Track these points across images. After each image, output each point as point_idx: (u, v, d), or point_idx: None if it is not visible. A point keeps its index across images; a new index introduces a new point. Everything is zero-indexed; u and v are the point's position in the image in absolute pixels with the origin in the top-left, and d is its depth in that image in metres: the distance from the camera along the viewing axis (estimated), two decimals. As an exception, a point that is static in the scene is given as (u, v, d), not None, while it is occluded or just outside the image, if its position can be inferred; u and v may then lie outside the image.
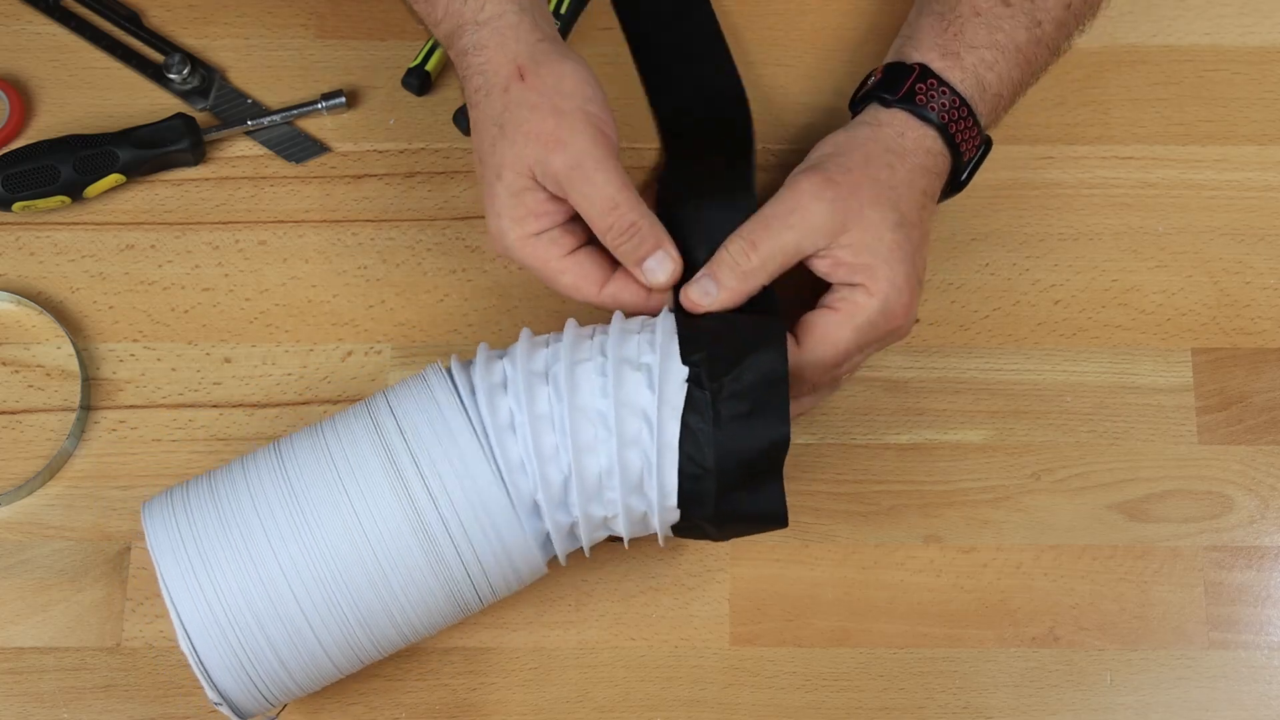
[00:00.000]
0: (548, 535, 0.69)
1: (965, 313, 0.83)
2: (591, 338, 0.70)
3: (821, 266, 0.72)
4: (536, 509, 0.68)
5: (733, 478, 0.67)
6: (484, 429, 0.67)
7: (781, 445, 0.68)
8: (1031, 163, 0.86)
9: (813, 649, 0.78)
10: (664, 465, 0.67)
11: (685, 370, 0.67)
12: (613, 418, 0.67)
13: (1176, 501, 0.80)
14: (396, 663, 0.77)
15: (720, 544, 0.79)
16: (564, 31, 0.87)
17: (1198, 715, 0.77)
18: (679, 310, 0.72)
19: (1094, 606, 0.78)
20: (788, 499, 0.78)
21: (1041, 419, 0.81)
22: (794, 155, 0.86)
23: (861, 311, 0.72)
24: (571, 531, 0.70)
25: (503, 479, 0.67)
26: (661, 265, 0.72)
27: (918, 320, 0.83)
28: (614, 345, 0.68)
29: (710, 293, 0.71)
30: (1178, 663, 0.77)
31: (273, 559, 0.66)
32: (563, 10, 0.87)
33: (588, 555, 0.72)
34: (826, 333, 0.72)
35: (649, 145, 0.86)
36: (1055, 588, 0.79)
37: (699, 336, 0.68)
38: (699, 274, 0.72)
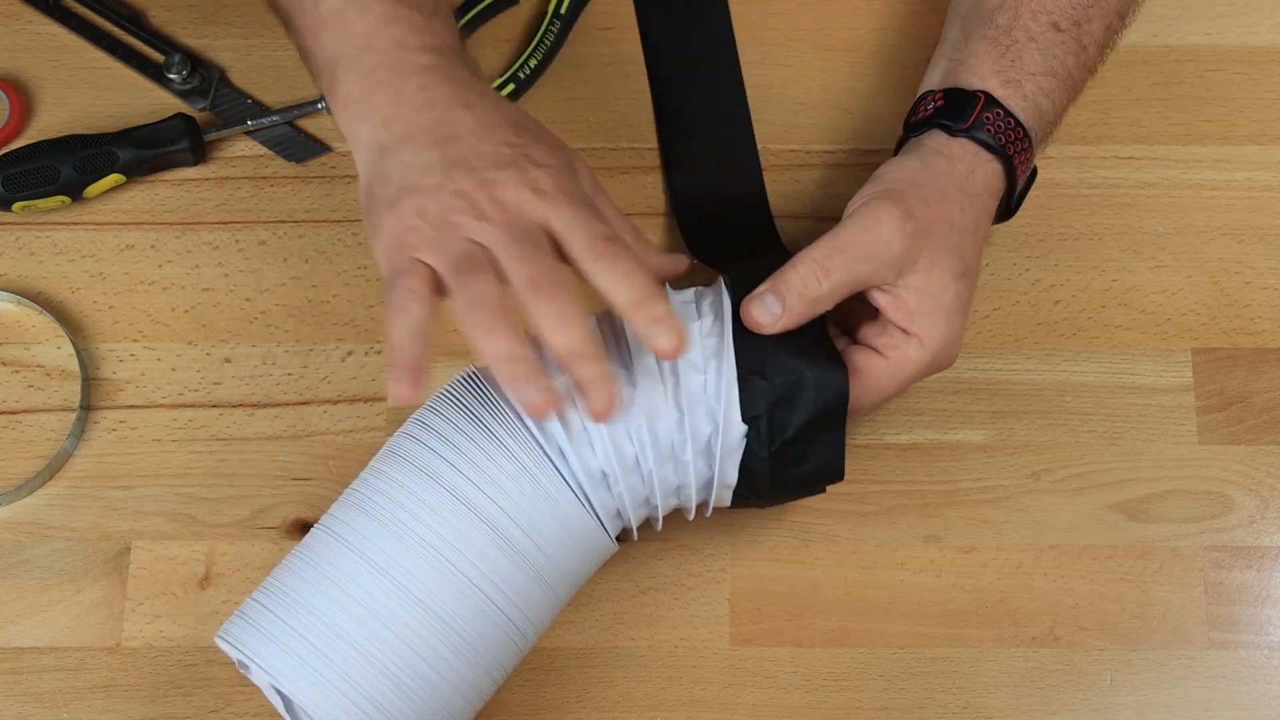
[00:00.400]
0: (616, 511, 0.69)
1: (965, 313, 0.83)
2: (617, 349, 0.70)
3: (881, 300, 0.71)
4: (603, 481, 0.68)
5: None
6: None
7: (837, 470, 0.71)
8: (1031, 163, 0.86)
9: (813, 649, 0.78)
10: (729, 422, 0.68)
11: (743, 427, 0.69)
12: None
13: (1176, 501, 0.80)
14: (396, 663, 0.77)
15: (720, 544, 0.79)
16: (564, 31, 0.87)
17: (1198, 715, 0.77)
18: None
19: (1094, 606, 0.78)
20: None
21: (1041, 419, 0.81)
22: (792, 155, 0.86)
23: (911, 364, 0.71)
24: (645, 503, 0.70)
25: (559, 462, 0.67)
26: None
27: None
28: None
29: (774, 312, 0.69)
30: (1178, 663, 0.77)
31: (389, 634, 0.65)
32: (563, 10, 0.87)
33: (658, 528, 0.72)
34: (872, 380, 0.71)
35: (649, 146, 0.86)
36: (1055, 588, 0.79)
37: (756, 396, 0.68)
38: (762, 287, 0.70)
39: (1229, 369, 0.82)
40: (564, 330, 0.64)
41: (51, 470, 0.80)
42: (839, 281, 0.70)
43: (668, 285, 0.72)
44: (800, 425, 0.69)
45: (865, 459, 0.80)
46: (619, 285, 0.65)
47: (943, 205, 0.72)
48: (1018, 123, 0.74)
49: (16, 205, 0.83)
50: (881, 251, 0.70)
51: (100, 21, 0.88)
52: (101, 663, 0.77)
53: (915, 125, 0.76)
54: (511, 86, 0.86)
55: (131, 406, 0.81)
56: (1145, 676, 0.77)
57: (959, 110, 0.74)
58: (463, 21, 0.87)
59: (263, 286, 0.84)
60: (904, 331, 0.71)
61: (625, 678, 0.77)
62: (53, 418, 0.81)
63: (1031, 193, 0.85)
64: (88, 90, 0.87)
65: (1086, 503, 0.80)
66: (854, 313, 0.74)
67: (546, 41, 0.87)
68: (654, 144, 0.86)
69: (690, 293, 0.72)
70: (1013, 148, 0.73)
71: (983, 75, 0.74)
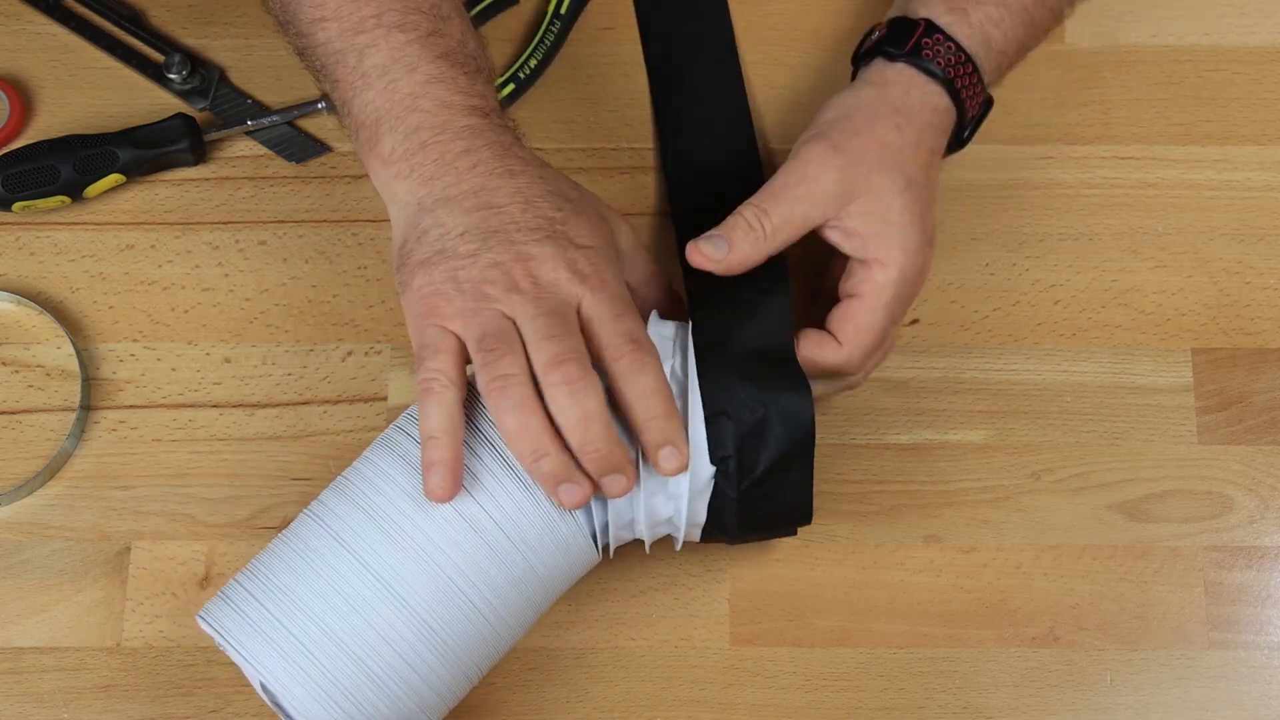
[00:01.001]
0: (603, 526, 0.70)
1: (965, 313, 0.83)
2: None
3: (833, 236, 0.72)
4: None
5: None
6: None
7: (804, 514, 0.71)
8: (1031, 163, 0.86)
9: (813, 649, 0.78)
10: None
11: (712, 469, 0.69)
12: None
13: (1176, 501, 0.80)
14: (396, 663, 0.77)
15: (719, 544, 0.79)
16: (564, 31, 0.88)
17: (1198, 715, 0.77)
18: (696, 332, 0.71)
19: (1094, 606, 0.78)
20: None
21: (1041, 419, 0.81)
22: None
23: (885, 288, 0.72)
24: (629, 525, 0.71)
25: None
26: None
27: (916, 321, 0.83)
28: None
29: (722, 248, 0.71)
30: (1178, 663, 0.77)
31: (368, 625, 0.65)
32: (563, 10, 0.87)
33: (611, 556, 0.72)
34: (860, 321, 0.72)
35: (649, 146, 0.86)
36: (1055, 588, 0.79)
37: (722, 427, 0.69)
38: (711, 231, 0.71)
39: (1229, 369, 0.82)
40: (581, 426, 0.65)
41: (51, 470, 0.80)
42: (778, 221, 0.71)
43: (655, 313, 0.72)
44: (769, 463, 0.69)
45: (865, 459, 0.81)
46: (638, 399, 0.66)
47: (873, 129, 0.73)
48: (960, 48, 0.74)
49: (16, 205, 0.83)
50: (814, 189, 0.71)
51: (100, 21, 0.88)
52: (101, 663, 0.77)
53: (860, 56, 0.77)
54: (511, 86, 0.86)
55: (131, 406, 0.81)
56: (1145, 676, 0.77)
57: (899, 37, 0.75)
58: (463, 21, 0.87)
59: (263, 286, 0.84)
60: (863, 263, 0.72)
61: (625, 678, 0.77)
62: (53, 418, 0.81)
63: (1032, 193, 0.85)
64: (88, 90, 0.87)
65: (1086, 503, 0.80)
66: (829, 278, 0.76)
67: (546, 41, 0.87)
68: (653, 144, 0.86)
69: (671, 327, 0.72)
70: (954, 71, 0.74)
71: (929, 5, 0.76)
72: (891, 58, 0.75)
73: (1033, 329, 0.83)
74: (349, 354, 0.82)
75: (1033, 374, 0.82)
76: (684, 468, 0.67)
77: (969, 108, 0.76)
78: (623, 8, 0.89)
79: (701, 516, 0.71)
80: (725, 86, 0.87)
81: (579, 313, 0.66)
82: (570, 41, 0.88)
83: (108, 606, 0.78)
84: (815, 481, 0.80)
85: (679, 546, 0.73)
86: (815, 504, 0.79)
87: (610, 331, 0.66)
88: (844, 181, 0.72)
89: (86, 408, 0.81)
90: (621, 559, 0.78)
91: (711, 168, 0.85)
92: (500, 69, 0.87)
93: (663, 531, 0.72)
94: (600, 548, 0.70)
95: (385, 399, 0.81)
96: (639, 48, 0.88)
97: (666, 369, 0.69)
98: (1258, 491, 0.80)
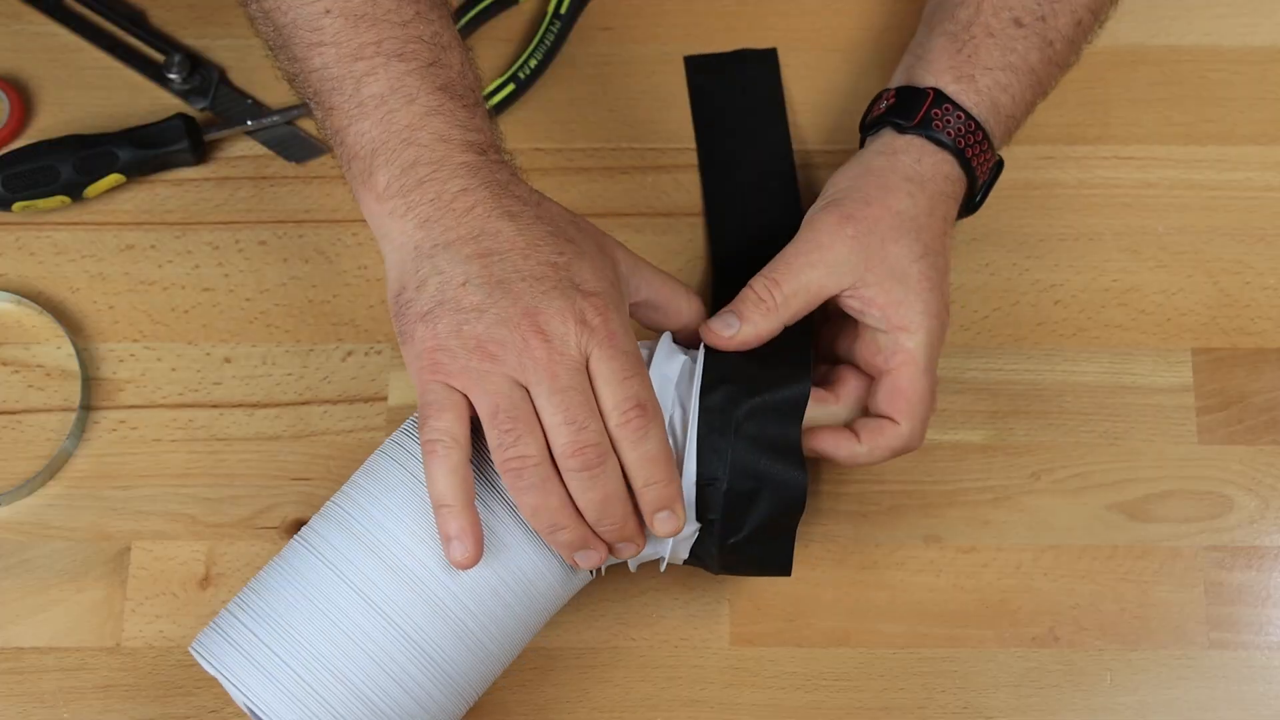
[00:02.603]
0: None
1: (965, 313, 0.83)
2: None
3: (853, 305, 0.72)
4: None
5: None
6: None
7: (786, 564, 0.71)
8: (1031, 163, 0.86)
9: (813, 649, 0.78)
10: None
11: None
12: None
13: (1176, 501, 0.80)
14: (396, 663, 0.77)
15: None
16: (564, 31, 0.88)
17: (1198, 715, 0.77)
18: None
19: (1094, 606, 0.78)
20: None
21: (1041, 419, 0.81)
22: (794, 155, 0.86)
23: (918, 352, 0.71)
24: None
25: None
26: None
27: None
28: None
29: (732, 325, 0.70)
30: (1178, 663, 0.77)
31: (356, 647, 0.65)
32: (562, 10, 0.87)
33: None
34: (910, 394, 0.72)
35: (649, 145, 0.86)
36: (1055, 588, 0.79)
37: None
38: (723, 309, 0.71)
39: (1229, 369, 0.82)
40: (599, 508, 0.66)
41: (51, 470, 0.80)
42: (790, 290, 0.71)
43: (667, 338, 0.72)
44: (753, 527, 0.69)
45: (865, 459, 0.81)
46: (639, 465, 0.66)
47: (885, 198, 0.72)
48: (969, 117, 0.74)
49: (16, 205, 0.83)
50: (826, 257, 0.71)
51: (100, 21, 0.88)
52: (101, 663, 0.77)
53: (869, 125, 0.77)
54: (511, 86, 0.86)
55: (131, 406, 0.81)
56: (1145, 676, 0.77)
57: (908, 108, 0.75)
58: (463, 21, 0.87)
59: (263, 286, 0.84)
60: (887, 333, 0.72)
61: (625, 678, 0.77)
62: (53, 418, 0.81)
63: (1032, 193, 0.85)
64: (88, 90, 0.87)
65: (1086, 503, 0.80)
66: (846, 346, 0.75)
67: (546, 41, 0.87)
68: (654, 144, 0.86)
69: (679, 367, 0.71)
70: (964, 141, 0.74)
71: (936, 71, 0.75)
72: (901, 129, 0.74)
73: (1033, 329, 0.83)
74: (349, 354, 0.82)
75: (1033, 374, 0.82)
76: (679, 530, 0.68)
77: (979, 173, 0.75)
78: (623, 7, 0.89)
79: (683, 558, 0.72)
80: (777, 189, 0.86)
81: (586, 367, 0.65)
82: (570, 41, 0.88)
83: (108, 606, 0.78)
84: (816, 481, 0.80)
85: (663, 569, 0.73)
86: (816, 504, 0.80)
87: (616, 395, 0.65)
88: (858, 250, 0.71)
89: (86, 408, 0.81)
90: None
91: (755, 226, 0.84)
92: (500, 69, 0.87)
93: (649, 558, 0.72)
94: (593, 572, 0.71)
95: (385, 399, 0.81)
96: (639, 47, 0.88)
97: (665, 419, 0.68)
98: (1258, 491, 0.80)
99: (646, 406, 0.65)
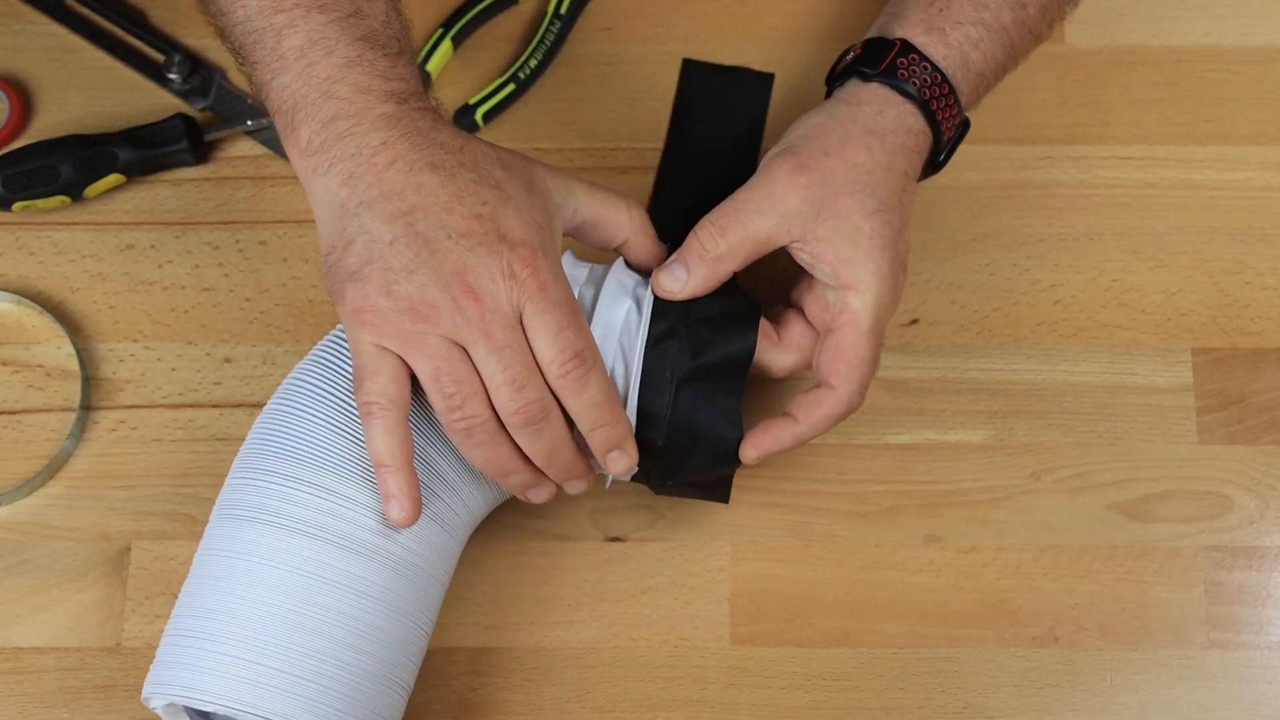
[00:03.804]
0: None
1: (965, 313, 0.83)
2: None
3: (803, 259, 0.71)
4: None
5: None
6: None
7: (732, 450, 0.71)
8: (1031, 163, 0.86)
9: (813, 649, 0.78)
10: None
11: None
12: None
13: (1176, 501, 0.80)
14: (396, 663, 0.77)
15: (720, 544, 0.79)
16: (564, 31, 0.87)
17: (1198, 715, 0.77)
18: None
19: (1094, 606, 0.78)
20: (786, 498, 0.78)
21: (1041, 419, 0.81)
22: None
23: (863, 315, 0.71)
24: None
25: None
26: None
27: (916, 321, 0.83)
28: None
29: (680, 278, 0.70)
30: (1178, 663, 0.77)
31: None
32: (562, 10, 0.87)
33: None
34: (850, 357, 0.71)
35: (649, 146, 0.86)
36: (1055, 588, 0.79)
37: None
38: (670, 259, 0.71)
39: (1229, 369, 0.82)
40: (547, 456, 0.67)
41: (51, 470, 0.80)
42: (736, 239, 0.70)
43: (620, 269, 0.72)
44: (689, 477, 0.71)
45: (865, 459, 0.81)
46: (584, 412, 0.67)
47: (844, 150, 0.71)
48: (936, 68, 0.73)
49: (16, 205, 0.83)
50: (777, 205, 0.70)
51: (101, 21, 0.88)
52: (101, 663, 0.77)
53: (835, 77, 0.76)
54: (511, 87, 0.86)
55: (131, 406, 0.81)
56: (1145, 676, 0.77)
57: (874, 57, 0.74)
58: (463, 21, 0.87)
59: (263, 286, 0.84)
60: (836, 290, 0.71)
61: (625, 678, 0.77)
62: (53, 418, 0.81)
63: (1032, 193, 0.85)
64: (88, 90, 0.87)
65: (1086, 503, 0.80)
66: (798, 295, 0.74)
67: (546, 41, 0.87)
68: (654, 144, 0.86)
69: (622, 314, 0.70)
70: (930, 92, 0.73)
71: (907, 24, 0.74)
72: (866, 78, 0.73)
73: (1033, 329, 0.83)
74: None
75: (1033, 374, 0.82)
76: (633, 467, 0.69)
77: (944, 130, 0.74)
78: (623, 8, 0.89)
79: (627, 476, 0.72)
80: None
81: (521, 322, 0.66)
82: (570, 41, 0.88)
83: (108, 606, 0.78)
84: (816, 481, 0.80)
85: (608, 484, 0.74)
86: (815, 504, 0.80)
87: (553, 349, 0.65)
88: (810, 201, 0.70)
89: (86, 408, 0.81)
90: (622, 559, 0.78)
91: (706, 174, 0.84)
92: (500, 69, 0.87)
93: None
94: None
95: (385, 399, 0.81)
96: (639, 47, 0.88)
97: (606, 367, 0.68)
98: (1258, 491, 0.80)
99: (584, 355, 0.66)
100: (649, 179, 0.86)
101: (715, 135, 0.86)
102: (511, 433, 0.66)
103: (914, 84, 0.72)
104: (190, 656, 0.65)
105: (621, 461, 0.69)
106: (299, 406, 0.68)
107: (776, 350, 0.73)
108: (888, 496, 0.80)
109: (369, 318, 0.65)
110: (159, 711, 0.67)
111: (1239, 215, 0.85)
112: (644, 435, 0.69)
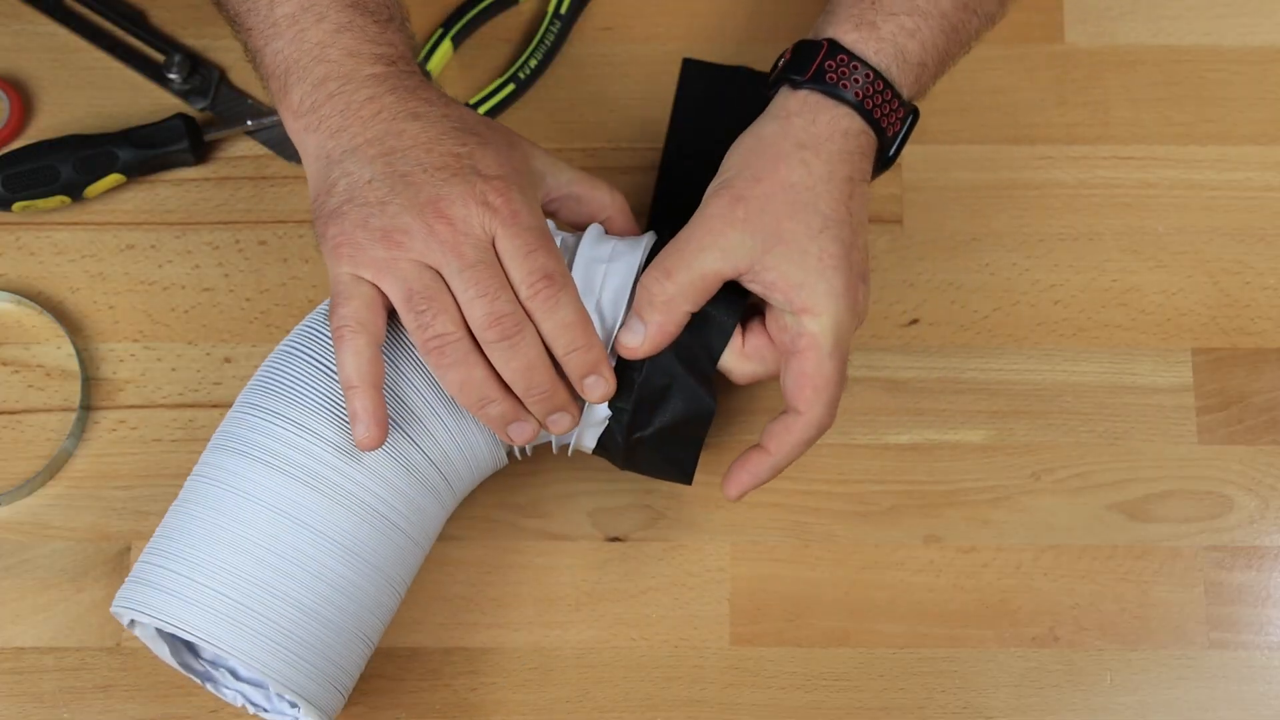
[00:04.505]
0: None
1: (965, 313, 0.83)
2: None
3: (756, 289, 0.70)
4: None
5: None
6: None
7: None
8: (1031, 163, 0.86)
9: (813, 649, 0.78)
10: None
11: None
12: None
13: (1176, 501, 0.80)
14: (398, 663, 0.77)
15: (720, 544, 0.79)
16: (564, 31, 0.87)
17: (1198, 715, 0.77)
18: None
19: (1094, 606, 0.78)
20: (786, 497, 0.78)
21: (1041, 419, 0.81)
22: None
23: (823, 337, 0.69)
24: None
25: None
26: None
27: (916, 321, 0.83)
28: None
29: (637, 331, 0.69)
30: (1178, 663, 0.77)
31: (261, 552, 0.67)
32: (562, 10, 0.87)
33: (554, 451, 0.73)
34: (816, 381, 0.69)
35: (649, 145, 0.86)
36: (1055, 588, 0.79)
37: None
38: (629, 315, 0.70)
39: (1229, 369, 0.82)
40: (524, 375, 0.67)
41: (51, 470, 0.80)
42: (684, 280, 0.69)
43: (599, 227, 0.72)
44: (661, 425, 0.70)
45: (865, 459, 0.81)
46: (557, 333, 0.67)
47: (776, 173, 0.70)
48: (867, 65, 0.71)
49: (16, 205, 0.83)
50: (718, 240, 0.69)
51: (101, 21, 0.88)
52: (101, 663, 0.77)
53: (771, 84, 0.74)
54: (511, 87, 0.86)
55: (131, 406, 0.81)
56: (1145, 676, 0.77)
57: (802, 62, 0.72)
58: (463, 21, 0.87)
59: (263, 286, 0.84)
60: (792, 314, 0.70)
61: (625, 678, 0.77)
62: (53, 418, 0.81)
63: (1032, 193, 0.85)
64: (88, 90, 0.87)
65: (1086, 503, 0.80)
66: (764, 315, 0.73)
67: (546, 41, 0.87)
68: (654, 144, 0.86)
69: (608, 249, 0.71)
70: (863, 92, 0.70)
71: (837, 21, 0.72)
72: (795, 85, 0.71)
73: (1033, 329, 0.83)
74: (349, 354, 0.82)
75: (1033, 374, 0.82)
76: (611, 393, 0.69)
77: (886, 127, 0.72)
78: (623, 8, 0.89)
79: (590, 446, 0.72)
80: None
81: (494, 248, 0.67)
82: (570, 41, 0.88)
83: (108, 606, 0.78)
84: (816, 481, 0.80)
85: (570, 454, 0.74)
86: (815, 504, 0.79)
87: (524, 269, 0.66)
88: (751, 232, 0.69)
89: (86, 408, 0.81)
90: (622, 559, 0.78)
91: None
92: (500, 69, 0.87)
93: (560, 443, 0.73)
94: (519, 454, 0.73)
95: (385, 399, 0.81)
96: (639, 47, 0.88)
97: (592, 304, 0.69)
98: (1258, 491, 0.80)
99: (554, 276, 0.67)
100: (649, 179, 0.86)
101: (715, 135, 0.86)
102: (486, 351, 0.66)
103: (844, 85, 0.70)
104: (158, 577, 0.67)
105: (599, 387, 0.69)
106: (296, 347, 0.70)
107: (738, 357, 0.72)
108: (888, 496, 0.80)
109: (345, 250, 0.66)
110: (127, 626, 0.69)
111: (1239, 215, 0.85)
112: (621, 373, 0.69)
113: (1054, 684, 0.77)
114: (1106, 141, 0.86)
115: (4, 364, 0.82)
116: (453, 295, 0.66)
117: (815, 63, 0.71)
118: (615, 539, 0.79)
